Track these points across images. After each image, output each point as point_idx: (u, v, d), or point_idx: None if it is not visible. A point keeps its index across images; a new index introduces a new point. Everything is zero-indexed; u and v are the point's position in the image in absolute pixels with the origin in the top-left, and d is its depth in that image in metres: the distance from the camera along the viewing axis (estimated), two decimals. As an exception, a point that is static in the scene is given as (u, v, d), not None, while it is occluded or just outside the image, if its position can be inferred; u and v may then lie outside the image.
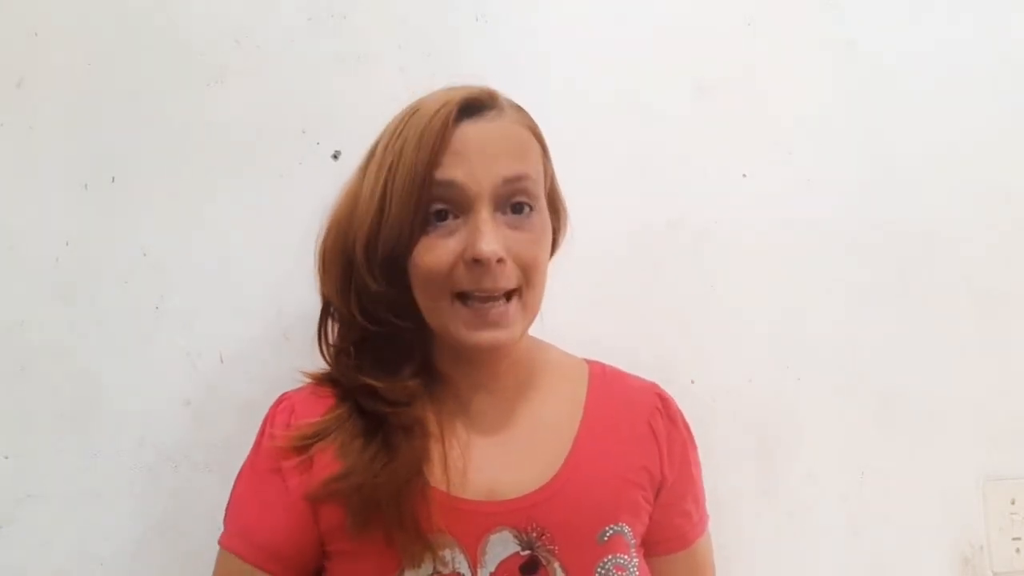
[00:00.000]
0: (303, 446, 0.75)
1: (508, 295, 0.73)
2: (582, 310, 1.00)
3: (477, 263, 0.71)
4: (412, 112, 0.76)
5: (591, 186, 1.03)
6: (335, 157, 0.98)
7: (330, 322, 0.81)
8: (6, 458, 0.90)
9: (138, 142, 0.95)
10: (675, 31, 1.08)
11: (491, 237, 0.71)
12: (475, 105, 0.75)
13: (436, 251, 0.72)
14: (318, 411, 0.78)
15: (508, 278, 0.72)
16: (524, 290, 0.74)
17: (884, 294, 1.11)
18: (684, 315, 1.06)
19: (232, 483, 0.80)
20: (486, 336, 0.73)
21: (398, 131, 0.75)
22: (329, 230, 0.79)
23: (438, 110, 0.73)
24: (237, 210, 0.97)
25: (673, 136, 1.07)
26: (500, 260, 0.71)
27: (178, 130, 0.96)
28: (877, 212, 1.12)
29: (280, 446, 0.76)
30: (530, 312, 0.76)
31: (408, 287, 0.75)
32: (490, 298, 0.72)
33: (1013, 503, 1.11)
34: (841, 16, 1.13)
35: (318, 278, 0.80)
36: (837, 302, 1.10)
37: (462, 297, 0.73)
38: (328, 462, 0.74)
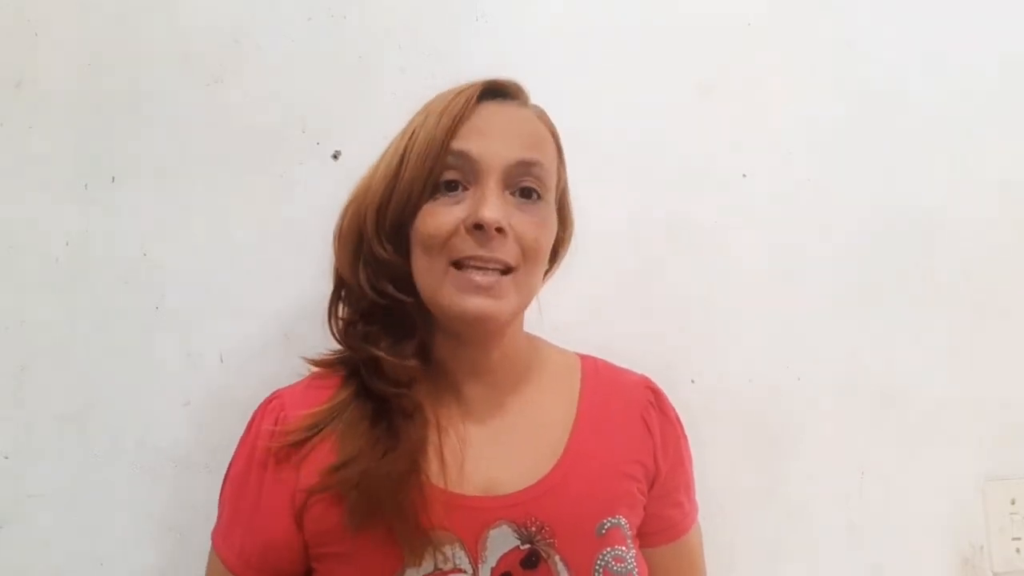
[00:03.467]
0: (300, 440, 0.75)
1: (505, 271, 0.74)
2: (582, 309, 1.01)
3: (477, 228, 0.72)
4: (439, 95, 0.79)
5: (591, 186, 1.03)
6: (335, 157, 0.99)
7: (340, 305, 0.81)
8: (6, 458, 0.90)
9: (138, 142, 0.95)
10: (675, 31, 1.08)
11: (495, 205, 0.72)
12: (500, 89, 0.79)
13: (439, 216, 0.73)
14: (316, 402, 0.78)
15: (507, 252, 0.73)
16: (521, 269, 0.75)
17: (884, 294, 1.11)
18: (684, 315, 1.06)
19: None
20: (474, 302, 0.72)
21: (423, 111, 0.78)
22: (347, 208, 0.80)
23: (464, 89, 0.77)
24: (237, 210, 0.97)
25: (673, 136, 1.07)
26: (500, 230, 0.72)
27: (178, 130, 0.96)
28: (877, 212, 1.12)
29: (273, 445, 0.75)
30: (524, 294, 0.76)
31: (408, 258, 0.76)
32: (484, 267, 0.73)
33: (1013, 503, 1.11)
34: (841, 16, 1.13)
35: (334, 254, 0.81)
36: (837, 302, 1.10)
37: (457, 265, 0.73)
38: (326, 452, 0.74)
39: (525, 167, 0.75)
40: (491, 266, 0.73)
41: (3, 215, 0.92)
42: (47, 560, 0.90)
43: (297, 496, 0.75)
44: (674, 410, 0.88)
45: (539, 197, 0.76)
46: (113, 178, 0.95)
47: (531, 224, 0.75)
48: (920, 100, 1.14)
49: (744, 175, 1.09)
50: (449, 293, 0.73)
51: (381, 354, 0.76)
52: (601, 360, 0.88)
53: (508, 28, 1.05)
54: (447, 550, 0.72)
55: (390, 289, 0.77)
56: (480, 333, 0.77)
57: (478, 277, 0.72)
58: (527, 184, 0.75)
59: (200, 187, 0.96)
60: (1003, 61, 1.17)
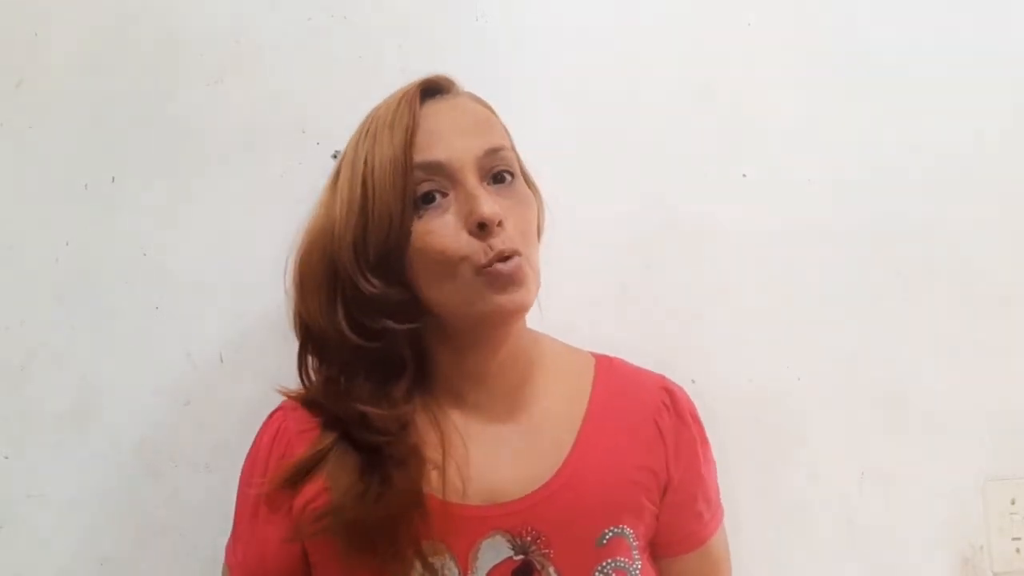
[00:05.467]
0: (292, 483, 0.74)
1: (515, 255, 0.72)
2: (582, 309, 1.00)
3: (481, 227, 0.70)
4: (373, 113, 0.77)
5: (591, 186, 1.03)
6: (335, 157, 0.98)
7: (310, 359, 0.79)
8: (6, 458, 0.90)
9: (138, 142, 0.95)
10: (675, 31, 1.08)
11: (488, 200, 0.71)
12: (435, 87, 0.77)
13: (438, 230, 0.71)
14: (305, 437, 0.76)
15: (511, 239, 0.72)
16: (526, 253, 0.73)
17: (884, 294, 1.11)
18: (684, 315, 1.06)
19: (231, 484, 0.80)
20: (510, 297, 0.71)
21: (364, 131, 0.76)
22: (305, 249, 0.77)
23: (401, 97, 0.75)
24: (237, 210, 0.97)
25: (673, 136, 1.07)
26: (500, 223, 0.71)
27: (178, 130, 0.96)
28: (877, 212, 1.12)
29: (267, 491, 0.75)
30: (536, 274, 0.75)
31: (405, 284, 0.74)
32: (504, 258, 0.71)
33: (1013, 503, 1.11)
34: (841, 16, 1.13)
35: (295, 303, 0.78)
36: (837, 302, 1.10)
37: (483, 269, 0.71)
38: (317, 492, 0.73)
39: (492, 155, 0.74)
40: (508, 254, 0.71)
41: (3, 215, 0.92)
42: (47, 560, 0.90)
43: (297, 533, 0.75)
44: (692, 412, 0.85)
45: (512, 177, 0.75)
46: (113, 178, 0.95)
47: (517, 206, 0.74)
48: (920, 100, 1.14)
49: (744, 175, 1.09)
50: (483, 296, 0.71)
51: (369, 410, 0.73)
52: (618, 359, 0.86)
53: (508, 28, 1.04)
54: (436, 562, 0.71)
55: (389, 323, 0.73)
56: (497, 333, 0.76)
57: (503, 268, 0.71)
58: (499, 168, 0.74)
59: (200, 187, 0.96)
60: (1005, 61, 1.16)
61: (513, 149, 0.79)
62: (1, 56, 0.93)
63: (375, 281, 0.72)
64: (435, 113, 0.75)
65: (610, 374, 0.83)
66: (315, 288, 0.75)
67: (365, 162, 0.73)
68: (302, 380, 0.80)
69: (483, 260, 0.70)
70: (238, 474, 0.81)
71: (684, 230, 1.07)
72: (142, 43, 0.96)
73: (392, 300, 0.73)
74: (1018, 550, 1.11)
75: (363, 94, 0.98)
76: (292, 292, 0.78)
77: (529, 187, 0.80)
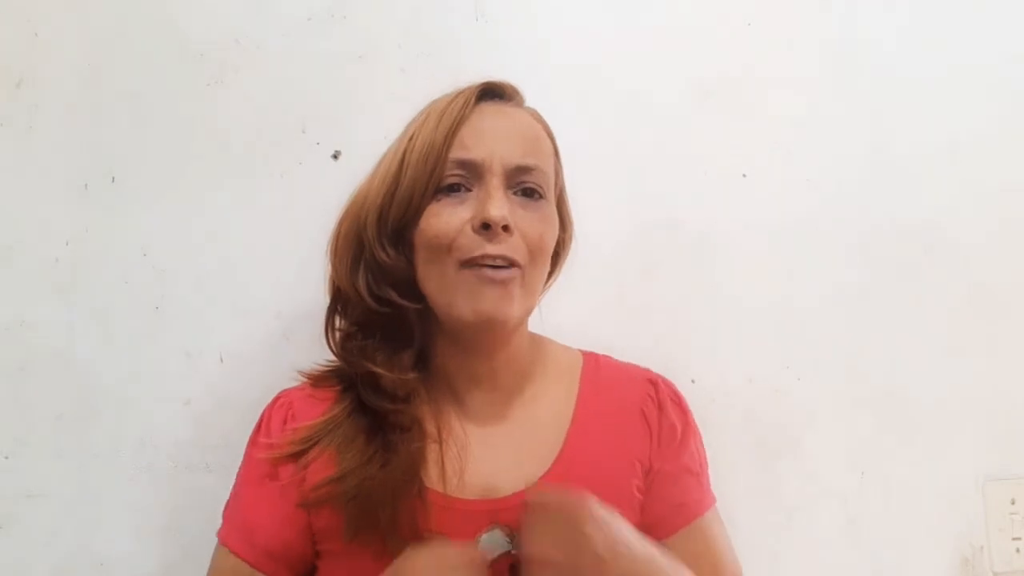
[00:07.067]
0: (300, 451, 0.75)
1: (511, 267, 0.73)
2: (582, 310, 1.00)
3: (485, 227, 0.72)
4: (437, 99, 0.79)
5: (591, 186, 1.03)
6: (335, 157, 0.99)
7: (337, 319, 0.81)
8: (6, 458, 0.90)
9: (138, 142, 0.95)
10: (675, 31, 1.09)
11: (501, 203, 0.72)
12: (497, 91, 0.80)
13: (444, 217, 0.73)
14: (316, 411, 0.78)
15: (514, 249, 0.73)
16: (527, 269, 0.74)
17: (884, 294, 1.11)
18: (684, 315, 1.06)
19: (233, 479, 0.80)
20: (488, 305, 0.72)
21: (422, 113, 0.78)
22: (346, 214, 0.80)
23: (461, 91, 0.78)
24: (237, 210, 0.97)
25: (673, 136, 1.07)
26: (507, 228, 0.72)
27: (178, 130, 0.96)
28: (877, 212, 1.12)
29: (276, 455, 0.76)
30: (530, 294, 0.76)
31: (412, 262, 0.76)
32: (495, 266, 0.72)
33: (1013, 503, 1.11)
34: (841, 16, 1.13)
35: (329, 265, 0.80)
36: (837, 302, 1.10)
37: (467, 265, 0.72)
38: (325, 464, 0.74)
39: (525, 172, 0.75)
40: (500, 263, 0.72)
41: (3, 215, 0.92)
42: (47, 560, 0.90)
43: (304, 502, 0.75)
44: (676, 402, 0.85)
45: (540, 196, 0.77)
46: (113, 178, 0.95)
47: (535, 221, 0.75)
48: (920, 100, 1.14)
49: (744, 175, 1.09)
50: (460, 296, 0.72)
51: (379, 370, 0.75)
52: (604, 356, 0.87)
53: (508, 28, 1.05)
54: None
55: (393, 295, 0.76)
56: (485, 339, 0.77)
57: (490, 272, 0.72)
58: (528, 185, 0.76)
59: (200, 187, 0.96)
60: (1004, 62, 1.17)
61: (557, 176, 0.81)
62: (1, 56, 0.93)
63: (389, 251, 0.76)
64: (487, 114, 0.77)
65: (597, 371, 0.85)
66: (346, 248, 0.78)
67: (410, 139, 0.76)
68: (327, 338, 0.81)
69: (468, 255, 0.72)
70: (239, 469, 0.81)
71: (684, 231, 1.07)
72: (142, 43, 0.96)
73: (399, 273, 0.76)
74: (1018, 550, 1.11)
75: (363, 94, 0.99)
76: (329, 253, 0.81)
77: (562, 220, 0.81)
